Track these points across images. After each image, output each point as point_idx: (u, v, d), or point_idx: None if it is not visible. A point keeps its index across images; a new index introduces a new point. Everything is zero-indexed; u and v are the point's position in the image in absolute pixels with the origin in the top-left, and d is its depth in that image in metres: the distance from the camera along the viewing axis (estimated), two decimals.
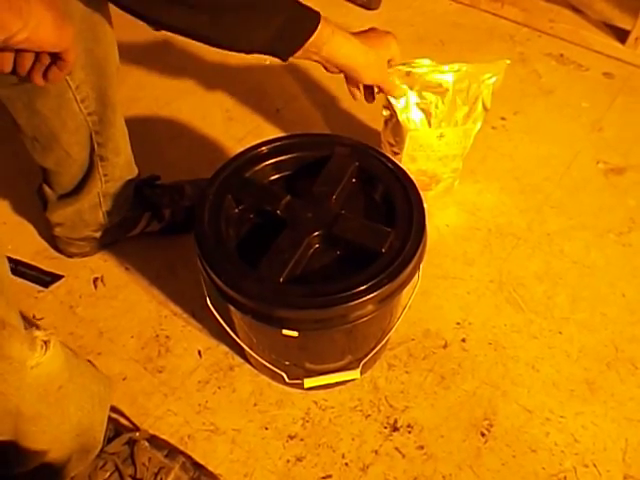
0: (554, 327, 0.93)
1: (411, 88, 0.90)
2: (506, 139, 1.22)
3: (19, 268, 1.00)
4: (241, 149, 0.82)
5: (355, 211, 0.76)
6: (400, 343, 0.92)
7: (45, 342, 0.55)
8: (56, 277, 1.00)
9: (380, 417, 0.84)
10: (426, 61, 0.89)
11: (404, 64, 0.88)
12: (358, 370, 0.81)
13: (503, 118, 1.25)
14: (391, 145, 0.98)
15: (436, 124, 0.93)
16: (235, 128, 1.24)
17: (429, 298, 0.97)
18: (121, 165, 0.88)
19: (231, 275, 0.68)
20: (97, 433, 0.67)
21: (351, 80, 0.84)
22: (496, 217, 1.08)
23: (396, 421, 0.84)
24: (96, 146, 0.83)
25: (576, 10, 1.49)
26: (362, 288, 0.66)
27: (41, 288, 0.98)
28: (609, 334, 0.93)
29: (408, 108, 0.91)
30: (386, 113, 0.95)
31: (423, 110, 0.92)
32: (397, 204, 0.74)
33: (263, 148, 0.79)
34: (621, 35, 1.39)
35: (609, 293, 0.98)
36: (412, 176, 0.78)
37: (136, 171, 0.94)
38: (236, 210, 0.76)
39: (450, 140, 0.94)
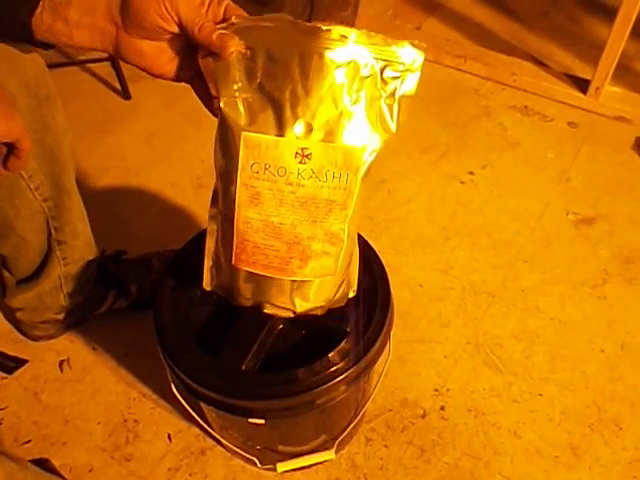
0: (534, 389, 0.91)
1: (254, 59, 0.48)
2: (476, 194, 1.22)
3: None
4: None
5: None
6: (377, 415, 0.89)
7: None
8: (20, 362, 0.96)
9: None
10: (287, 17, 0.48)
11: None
12: (333, 450, 0.78)
13: (471, 172, 1.26)
14: (218, 161, 0.54)
15: (290, 125, 0.49)
16: (205, 195, 1.22)
17: (405, 364, 0.94)
18: (80, 247, 0.86)
19: (192, 365, 0.65)
20: None
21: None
22: (469, 275, 1.07)
23: None
24: (53, 231, 0.81)
25: (537, 62, 1.53)
26: (329, 371, 0.64)
27: (5, 375, 0.95)
28: (590, 393, 0.91)
29: (245, 91, 0.49)
30: (217, 105, 0.51)
31: (272, 100, 0.49)
32: (361, 278, 0.72)
33: None
34: (582, 85, 1.42)
35: (588, 349, 0.96)
36: (256, 245, 0.53)
37: (96, 251, 0.92)
38: (198, 292, 0.74)
39: (320, 168, 0.50)
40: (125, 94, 1.48)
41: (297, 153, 0.50)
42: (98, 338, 0.99)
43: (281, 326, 0.71)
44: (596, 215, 1.17)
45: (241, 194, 0.52)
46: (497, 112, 1.42)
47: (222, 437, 0.77)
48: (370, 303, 0.70)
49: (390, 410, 0.89)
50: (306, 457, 0.77)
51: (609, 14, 1.32)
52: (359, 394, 0.76)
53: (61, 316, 0.93)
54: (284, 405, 0.64)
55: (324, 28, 0.47)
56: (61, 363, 0.96)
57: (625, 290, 1.04)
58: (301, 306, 0.58)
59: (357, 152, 0.50)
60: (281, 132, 0.49)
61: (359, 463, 0.84)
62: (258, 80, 0.49)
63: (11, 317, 0.99)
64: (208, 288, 0.60)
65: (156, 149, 1.34)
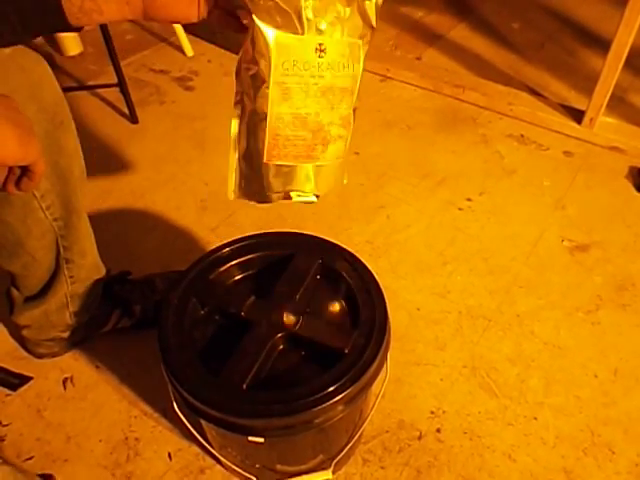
0: (529, 413, 0.93)
1: None
2: (473, 220, 1.25)
3: None
4: (214, 238, 0.83)
5: (319, 309, 0.77)
6: (374, 436, 0.90)
7: None
8: (25, 379, 0.98)
9: None
10: None
11: None
12: (330, 470, 0.79)
13: (469, 199, 1.29)
14: (249, 70, 0.59)
15: (308, 27, 0.57)
16: (209, 217, 1.27)
17: (402, 386, 0.96)
18: (87, 266, 0.89)
19: (194, 383, 0.67)
20: None
21: None
22: (466, 299, 1.09)
23: None
24: (62, 250, 0.84)
25: (533, 92, 1.58)
26: (327, 391, 0.65)
27: (9, 391, 0.96)
28: (584, 418, 0.92)
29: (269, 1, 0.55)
30: (245, 20, 0.59)
31: (292, 7, 0.57)
32: (359, 301, 0.75)
33: (227, 249, 0.81)
34: (577, 115, 1.46)
35: (581, 374, 0.98)
36: (286, 137, 0.60)
37: (103, 271, 0.94)
38: (201, 312, 0.77)
39: (334, 60, 0.60)
40: (132, 118, 1.52)
41: (316, 48, 0.58)
42: (101, 356, 1.01)
43: (281, 347, 0.73)
44: (590, 242, 1.19)
45: (273, 92, 0.59)
46: (494, 140, 1.46)
47: (222, 455, 0.79)
48: (368, 326, 0.72)
49: (387, 431, 0.91)
50: (304, 477, 0.79)
51: (604, 46, 1.36)
52: (356, 415, 0.78)
53: (66, 334, 0.95)
54: (283, 424, 0.66)
55: None
56: (64, 381, 0.98)
57: (618, 316, 1.06)
58: (322, 189, 0.66)
59: (358, 44, 0.61)
60: (302, 32, 0.57)
61: None
62: None
63: (16, 335, 1.02)
64: (233, 198, 0.66)
65: (161, 172, 1.38)
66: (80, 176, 0.81)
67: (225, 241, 0.82)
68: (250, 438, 0.68)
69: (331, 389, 0.66)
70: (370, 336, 0.71)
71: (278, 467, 0.79)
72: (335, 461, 0.79)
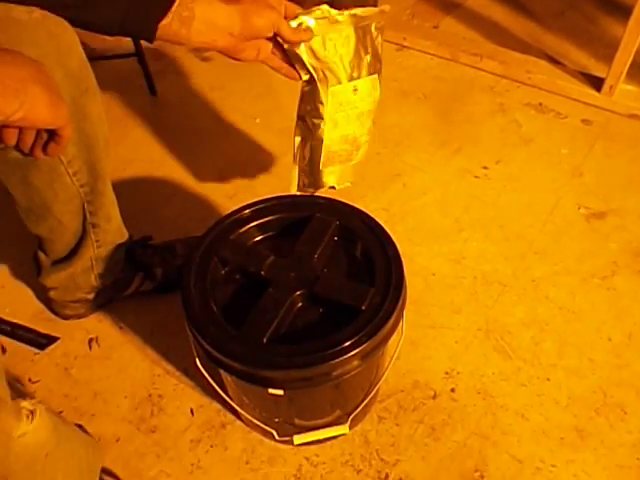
0: (542, 374, 0.94)
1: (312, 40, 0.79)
2: (489, 187, 1.25)
3: (16, 331, 1.02)
4: (232, 206, 0.85)
5: (337, 269, 0.79)
6: (390, 395, 0.93)
7: (31, 412, 0.56)
8: (52, 339, 1.02)
9: (371, 471, 0.85)
10: (323, 6, 0.79)
11: (300, 15, 0.78)
12: (347, 425, 0.82)
13: (485, 167, 1.30)
14: (311, 112, 0.85)
15: (347, 77, 0.83)
16: (227, 185, 1.29)
17: (417, 348, 0.98)
18: (112, 231, 0.92)
19: (216, 337, 0.70)
20: None
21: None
22: (481, 265, 1.11)
23: (387, 475, 0.84)
24: (88, 215, 0.86)
25: (552, 60, 1.56)
26: (344, 345, 0.68)
27: (37, 350, 1.00)
28: (597, 379, 0.93)
29: (319, 62, 0.80)
30: (305, 77, 0.81)
31: (331, 67, 0.81)
32: (376, 260, 0.77)
33: (247, 211, 0.83)
34: (596, 83, 1.44)
35: (595, 338, 0.99)
36: (335, 152, 0.87)
37: (126, 235, 0.97)
38: (222, 272, 0.79)
39: (363, 94, 0.86)
40: (151, 89, 1.53)
41: (353, 89, 0.85)
42: (125, 318, 1.04)
43: (300, 304, 0.75)
44: (607, 209, 1.19)
45: (328, 125, 0.86)
46: (512, 109, 1.45)
47: (242, 410, 0.82)
48: (384, 284, 0.74)
49: (402, 391, 0.93)
50: (321, 430, 0.81)
51: (624, 13, 1.34)
52: (372, 371, 0.80)
53: (91, 296, 0.98)
54: (301, 376, 0.68)
55: (347, 14, 0.80)
56: (90, 341, 1.02)
57: (634, 282, 1.06)
58: (353, 178, 0.97)
59: (376, 77, 0.87)
60: (341, 82, 0.83)
61: (371, 439, 0.88)
62: (321, 57, 0.80)
63: (43, 297, 1.05)
64: (297, 192, 0.93)
65: (180, 142, 1.40)
66: (104, 144, 0.83)
67: None
68: (270, 391, 0.70)
69: (348, 344, 0.68)
70: (386, 294, 0.73)
71: (296, 421, 0.82)
72: (351, 417, 0.82)
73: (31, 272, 1.05)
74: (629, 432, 0.87)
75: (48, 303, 1.03)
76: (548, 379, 0.94)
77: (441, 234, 1.16)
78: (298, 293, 0.74)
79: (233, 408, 0.89)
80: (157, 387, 0.95)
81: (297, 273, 0.76)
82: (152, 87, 1.53)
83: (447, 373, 0.95)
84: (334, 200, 0.85)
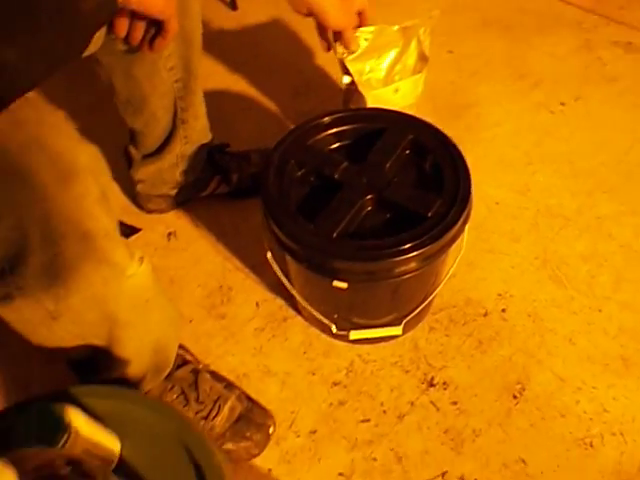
0: (595, 305, 0.97)
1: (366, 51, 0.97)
2: (564, 124, 1.24)
3: None
4: None
5: (406, 179, 0.83)
6: (442, 309, 0.98)
7: (141, 257, 0.63)
8: (135, 230, 1.12)
9: (418, 373, 0.91)
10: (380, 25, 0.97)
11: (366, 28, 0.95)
12: (400, 327, 0.88)
13: (562, 103, 1.27)
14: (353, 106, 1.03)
15: (390, 80, 1.00)
16: (301, 103, 1.32)
17: (474, 269, 1.02)
18: (199, 129, 0.98)
19: (290, 228, 0.76)
20: (170, 354, 0.77)
21: (319, 25, 0.90)
22: (546, 198, 1.11)
23: (433, 378, 0.90)
24: (179, 110, 0.93)
25: None
26: (408, 246, 0.73)
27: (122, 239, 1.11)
28: None
29: (363, 69, 0.99)
30: (347, 80, 1.00)
31: (374, 70, 1.00)
32: (445, 174, 0.80)
33: (325, 119, 0.87)
34: None
35: None
36: None
37: (210, 136, 1.04)
38: (298, 173, 0.85)
39: (405, 92, 1.00)
40: (232, 5, 1.56)
41: (394, 91, 0.99)
42: (201, 217, 1.12)
43: (369, 208, 0.80)
44: None
45: None
46: (598, 47, 1.40)
47: (306, 301, 0.89)
48: (451, 195, 0.77)
49: (454, 306, 0.98)
50: (377, 329, 0.88)
51: None
52: (430, 278, 0.85)
53: (173, 192, 1.07)
54: (365, 269, 0.74)
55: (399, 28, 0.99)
56: (169, 234, 1.11)
57: None
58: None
59: (419, 77, 1.01)
60: (383, 85, 1.01)
61: (421, 346, 0.94)
62: (366, 71, 1.00)
63: (129, 193, 1.14)
64: None
65: (258, 58, 1.43)
66: (200, 42, 0.88)
67: None
68: (335, 283, 0.77)
69: (411, 244, 0.73)
70: (452, 204, 0.77)
71: (354, 319, 0.89)
72: (406, 320, 0.88)
73: (120, 170, 1.14)
74: None
75: (134, 198, 1.12)
76: (600, 310, 0.96)
77: (509, 165, 1.17)
78: (368, 197, 0.79)
79: (295, 304, 0.97)
80: (227, 280, 1.04)
81: (368, 179, 0.81)
82: (234, 3, 1.56)
83: (500, 295, 0.99)
84: (409, 115, 0.88)
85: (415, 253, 0.73)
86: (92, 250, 0.56)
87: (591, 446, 0.83)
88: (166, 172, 1.02)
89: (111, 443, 0.51)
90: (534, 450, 0.83)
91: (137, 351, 0.68)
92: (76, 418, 0.48)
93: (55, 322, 0.59)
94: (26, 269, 0.54)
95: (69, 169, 0.54)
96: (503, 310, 0.97)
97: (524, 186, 1.14)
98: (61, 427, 0.46)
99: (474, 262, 1.03)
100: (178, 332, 0.80)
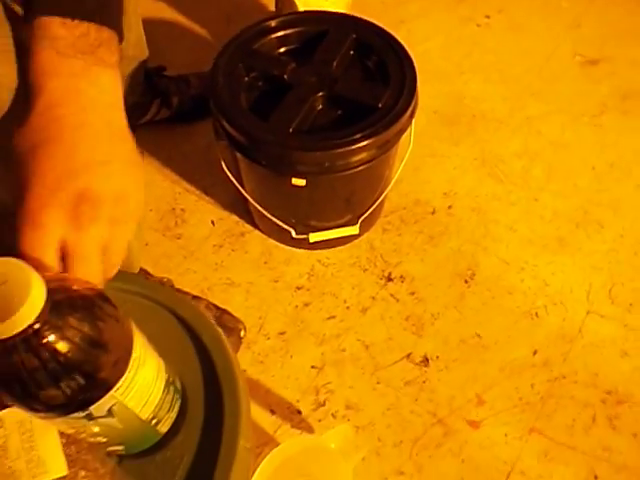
0: (530, 195, 1.04)
1: None
2: (490, 35, 1.29)
3: None
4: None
5: (355, 75, 0.85)
6: (393, 211, 1.02)
7: None
8: None
9: (376, 270, 0.96)
10: None
11: None
12: (357, 226, 0.91)
13: (487, 16, 1.33)
14: None
15: None
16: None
17: (419, 173, 1.07)
18: (133, 42, 0.94)
19: (245, 128, 0.76)
20: (134, 258, 0.77)
21: None
22: (480, 104, 1.17)
23: (390, 273, 0.95)
24: None
25: None
26: (361, 134, 0.75)
27: None
28: (579, 200, 1.04)
29: None
30: None
31: None
32: (391, 69, 0.82)
33: (269, 22, 0.87)
34: None
35: (580, 166, 1.08)
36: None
37: (147, 52, 1.00)
38: (246, 78, 0.84)
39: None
40: None
41: None
42: (144, 144, 1.09)
43: (320, 106, 0.82)
44: (601, 57, 1.25)
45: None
46: None
47: (262, 209, 0.90)
48: (399, 86, 0.80)
49: (404, 208, 1.03)
50: (334, 230, 0.91)
51: None
52: (383, 172, 0.88)
53: None
54: (323, 160, 0.76)
55: None
56: None
57: (620, 121, 1.15)
58: None
59: None
60: None
61: (376, 246, 0.98)
62: None
63: None
64: None
65: None
66: None
67: None
68: (293, 181, 0.78)
69: (366, 132, 0.75)
70: (400, 95, 0.79)
71: (312, 222, 0.91)
72: (361, 219, 0.91)
73: None
74: (604, 242, 0.99)
75: None
76: (536, 199, 1.04)
77: (443, 76, 1.21)
78: (319, 94, 0.80)
79: (252, 219, 0.98)
80: (179, 202, 1.03)
81: (317, 77, 0.82)
82: None
83: (445, 193, 1.04)
84: (351, 16, 0.89)
85: (369, 141, 0.75)
86: None
87: (537, 316, 0.91)
88: None
89: None
90: (487, 325, 0.90)
91: None
92: None
93: None
94: None
95: None
96: (449, 207, 1.03)
97: (459, 94, 1.19)
98: None
99: (419, 167, 1.07)
100: (141, 241, 0.79)
